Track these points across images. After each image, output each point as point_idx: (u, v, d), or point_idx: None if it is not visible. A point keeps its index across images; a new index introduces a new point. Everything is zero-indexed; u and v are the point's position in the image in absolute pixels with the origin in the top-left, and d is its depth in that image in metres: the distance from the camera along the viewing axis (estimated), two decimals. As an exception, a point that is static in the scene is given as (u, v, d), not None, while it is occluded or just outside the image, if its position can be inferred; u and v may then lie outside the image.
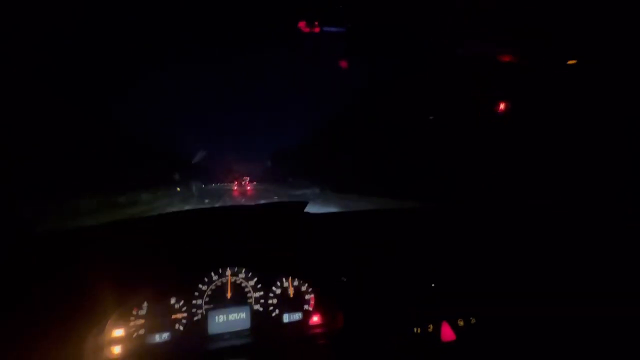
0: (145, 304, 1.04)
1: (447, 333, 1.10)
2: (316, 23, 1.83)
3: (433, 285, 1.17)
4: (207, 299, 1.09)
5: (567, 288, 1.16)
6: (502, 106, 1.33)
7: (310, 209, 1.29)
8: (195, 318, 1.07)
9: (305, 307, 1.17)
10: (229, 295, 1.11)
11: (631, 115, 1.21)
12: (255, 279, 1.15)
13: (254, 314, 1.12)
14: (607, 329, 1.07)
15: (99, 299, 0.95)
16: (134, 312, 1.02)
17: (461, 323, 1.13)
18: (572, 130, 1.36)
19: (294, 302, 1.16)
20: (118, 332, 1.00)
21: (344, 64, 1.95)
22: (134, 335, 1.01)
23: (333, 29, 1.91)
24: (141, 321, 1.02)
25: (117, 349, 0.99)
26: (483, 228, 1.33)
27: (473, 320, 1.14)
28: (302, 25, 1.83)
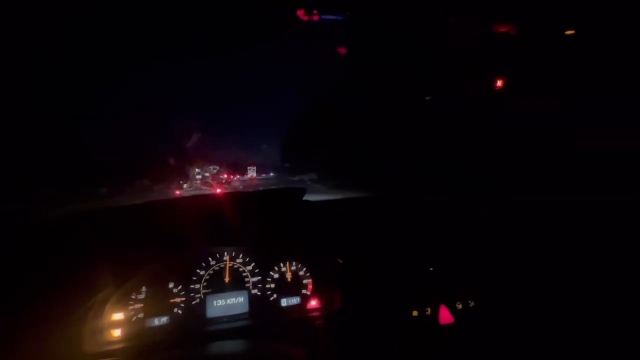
0: (143, 288, 1.05)
1: (445, 316, 1.09)
2: (315, 11, 1.82)
3: (431, 269, 1.17)
4: (205, 284, 1.10)
5: (564, 272, 1.14)
6: (499, 83, 1.30)
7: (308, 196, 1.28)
8: (194, 302, 1.08)
9: (303, 291, 1.17)
10: (227, 279, 1.12)
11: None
12: (253, 264, 1.15)
13: (252, 298, 1.12)
14: (604, 311, 1.07)
15: (97, 282, 0.96)
16: (133, 296, 1.03)
17: (460, 306, 1.12)
18: (572, 112, 1.32)
19: (292, 287, 1.16)
20: (117, 316, 1.01)
21: (342, 50, 1.93)
22: (133, 319, 1.02)
23: (332, 17, 1.90)
24: (140, 305, 1.03)
25: (117, 332, 1.00)
26: (481, 214, 1.32)
27: (472, 304, 1.14)
28: (300, 13, 1.82)
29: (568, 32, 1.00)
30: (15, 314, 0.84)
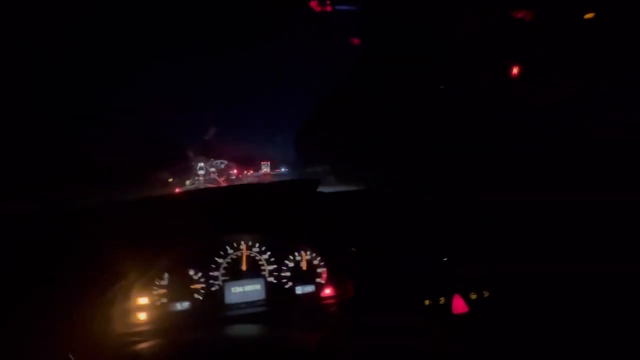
0: (165, 275, 1.10)
1: (459, 305, 1.10)
2: (328, 2, 1.82)
3: (445, 259, 1.17)
4: (223, 271, 1.14)
5: (578, 264, 1.12)
6: (515, 70, 1.26)
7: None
8: (213, 288, 1.13)
9: (318, 280, 1.20)
10: (244, 267, 1.16)
11: None
12: (269, 253, 1.18)
13: (268, 286, 1.16)
14: (623, 308, 1.04)
15: (122, 269, 1.02)
16: (156, 282, 1.09)
17: (474, 296, 1.13)
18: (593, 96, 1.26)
19: (307, 275, 1.19)
20: (143, 300, 1.07)
21: (356, 41, 1.92)
22: (157, 303, 1.08)
23: (344, 7, 1.88)
24: (163, 290, 1.09)
25: (142, 316, 1.06)
26: (496, 204, 1.30)
27: (486, 294, 1.14)
28: (314, 4, 1.82)
29: (587, 16, 0.95)
30: (49, 298, 0.90)
